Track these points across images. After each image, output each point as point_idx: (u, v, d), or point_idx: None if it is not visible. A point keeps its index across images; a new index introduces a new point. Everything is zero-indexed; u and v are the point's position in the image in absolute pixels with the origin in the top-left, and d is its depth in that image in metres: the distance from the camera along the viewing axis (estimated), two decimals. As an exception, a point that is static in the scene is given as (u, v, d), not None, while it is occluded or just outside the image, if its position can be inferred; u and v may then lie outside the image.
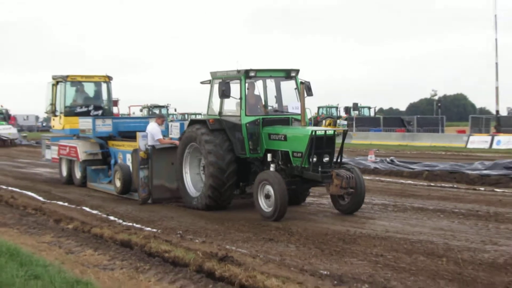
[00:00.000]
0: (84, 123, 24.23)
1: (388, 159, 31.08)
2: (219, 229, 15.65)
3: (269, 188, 15.95)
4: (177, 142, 19.47)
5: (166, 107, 69.81)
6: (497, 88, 63.52)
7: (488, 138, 51.89)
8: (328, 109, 79.98)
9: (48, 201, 21.08)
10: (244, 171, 17.79)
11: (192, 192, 18.33)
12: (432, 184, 25.10)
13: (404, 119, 77.19)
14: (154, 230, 15.59)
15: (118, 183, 21.06)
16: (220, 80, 17.58)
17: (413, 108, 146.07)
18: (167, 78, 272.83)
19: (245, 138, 17.24)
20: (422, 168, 28.22)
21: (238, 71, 17.42)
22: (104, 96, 27.22)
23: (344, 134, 17.63)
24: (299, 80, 18.15)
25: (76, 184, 24.76)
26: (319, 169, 16.03)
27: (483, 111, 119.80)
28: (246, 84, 17.45)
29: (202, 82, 19.64)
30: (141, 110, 67.08)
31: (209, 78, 18.78)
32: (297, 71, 18.21)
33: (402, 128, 67.94)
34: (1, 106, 69.83)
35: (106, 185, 23.18)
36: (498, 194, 21.66)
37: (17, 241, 13.96)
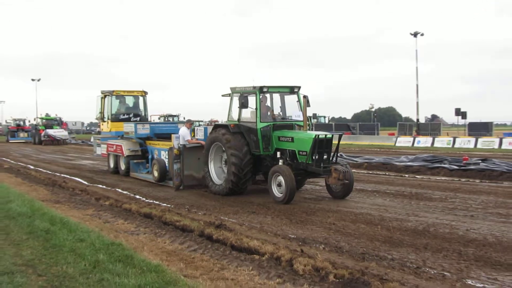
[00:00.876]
0: (128, 127, 24.21)
1: (338, 154, 31.03)
2: (216, 205, 15.62)
3: (280, 178, 15.58)
4: (202, 142, 19.14)
5: (177, 116, 69.34)
6: (417, 103, 64.08)
7: (411, 139, 52.54)
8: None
9: (91, 184, 21.01)
10: (256, 164, 17.41)
11: (216, 181, 17.93)
12: (370, 172, 25.15)
13: (350, 125, 77.72)
14: (169, 205, 15.55)
15: (156, 174, 20.96)
16: (239, 94, 17.39)
17: (356, 117, 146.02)
18: (179, 95, 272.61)
19: (260, 139, 16.95)
20: (363, 160, 28.22)
21: (254, 87, 17.15)
22: (141, 106, 27.19)
23: (339, 137, 17.06)
24: (301, 95, 17.73)
25: (121, 174, 24.43)
26: (322, 164, 15.78)
27: (407, 119, 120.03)
28: (260, 97, 17.11)
29: (223, 95, 19.21)
30: (159, 118, 66.75)
31: (229, 92, 18.42)
32: (299, 87, 17.90)
33: (348, 132, 68.17)
34: (56, 115, 69.53)
35: (145, 174, 22.93)
36: (418, 179, 21.70)
37: (68, 214, 13.88)
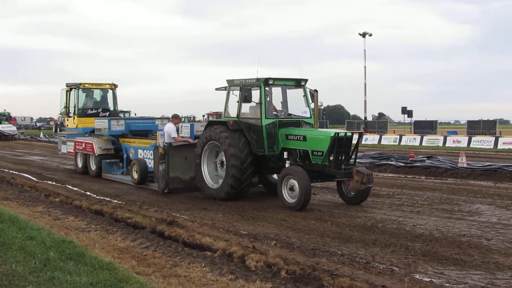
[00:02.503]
0: (100, 123, 22.02)
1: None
2: (167, 201, 15.51)
3: (293, 182, 13.93)
4: (190, 140, 17.28)
5: (128, 112, 68.48)
6: (365, 101, 64.69)
7: (359, 136, 52.73)
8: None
9: (40, 181, 20.52)
10: (257, 165, 15.66)
11: (210, 184, 16.10)
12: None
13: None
14: (120, 202, 15.32)
15: (135, 175, 18.91)
16: (239, 87, 15.69)
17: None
18: (129, 92, 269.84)
19: (265, 138, 15.09)
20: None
21: (258, 79, 15.30)
22: (110, 100, 24.88)
23: (360, 135, 15.55)
24: (307, 89, 16.13)
25: (92, 175, 22.04)
26: (343, 166, 14.11)
27: (355, 117, 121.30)
28: (266, 91, 15.34)
29: (217, 89, 17.86)
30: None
31: (225, 85, 16.67)
32: (306, 80, 16.12)
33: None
34: (4, 110, 67.87)
35: (121, 176, 20.92)
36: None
37: (17, 211, 13.55)
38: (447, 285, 7.74)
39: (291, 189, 14.07)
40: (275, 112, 15.74)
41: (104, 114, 24.09)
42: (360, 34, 64.17)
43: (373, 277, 8.04)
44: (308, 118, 15.95)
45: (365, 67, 69.50)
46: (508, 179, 19.81)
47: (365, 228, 11.70)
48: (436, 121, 61.63)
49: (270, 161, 15.62)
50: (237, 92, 15.88)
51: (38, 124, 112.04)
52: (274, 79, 15.40)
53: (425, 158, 24.64)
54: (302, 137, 14.76)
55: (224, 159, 15.59)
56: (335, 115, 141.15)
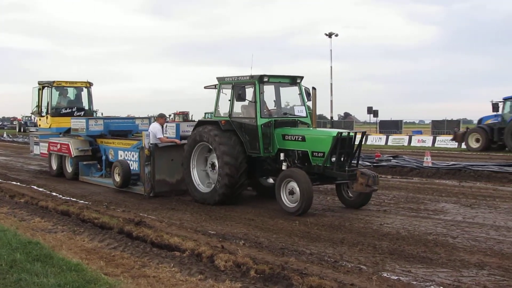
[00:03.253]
0: (77, 123, 20.83)
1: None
2: (135, 201, 15.42)
3: (293, 185, 13.08)
4: (177, 140, 16.56)
5: (95, 111, 67.45)
6: (331, 101, 64.97)
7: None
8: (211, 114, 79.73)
9: (4, 181, 20.14)
10: (251, 168, 14.78)
11: (201, 187, 15.24)
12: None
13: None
14: (86, 202, 15.16)
15: (117, 178, 17.46)
16: (231, 85, 14.82)
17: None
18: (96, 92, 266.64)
19: (260, 138, 14.26)
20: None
21: (252, 76, 14.51)
22: (85, 99, 23.82)
23: (363, 135, 15.08)
24: (303, 87, 15.42)
25: (68, 177, 20.93)
26: (346, 168, 13.38)
27: (321, 117, 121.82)
28: (260, 89, 14.49)
29: (206, 87, 16.72)
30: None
31: (214, 83, 15.76)
32: (302, 78, 15.32)
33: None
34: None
35: (100, 178, 19.78)
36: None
37: (-19, 212, 13.38)
38: (415, 283, 7.83)
39: (291, 192, 13.22)
40: (265, 111, 14.92)
41: (78, 114, 23.13)
42: (326, 35, 64.44)
43: (342, 275, 8.09)
44: (304, 117, 15.26)
45: (331, 67, 70.07)
46: (472, 178, 20.10)
47: (332, 227, 11.77)
48: (401, 120, 62.38)
49: (265, 163, 14.85)
50: (227, 91, 15.24)
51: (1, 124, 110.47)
52: (269, 76, 14.66)
53: (391, 158, 24.88)
54: (301, 137, 14.00)
55: (215, 161, 14.87)
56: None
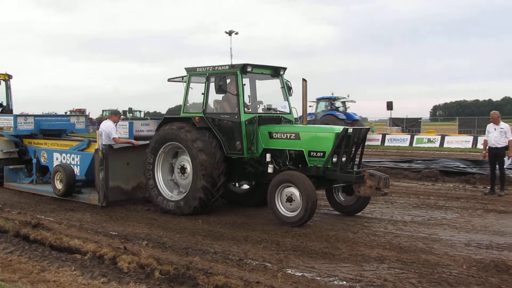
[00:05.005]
0: (4, 121, 17.95)
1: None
2: (31, 203, 14.87)
3: (292, 191, 11.55)
4: (134, 141, 14.63)
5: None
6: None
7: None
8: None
9: None
10: (229, 171, 13.08)
11: (168, 195, 13.39)
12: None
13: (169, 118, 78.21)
14: (-22, 205, 14.50)
15: (59, 185, 15.11)
16: (205, 76, 13.15)
17: (171, 111, 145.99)
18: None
19: (244, 137, 12.54)
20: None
21: (232, 66, 12.84)
22: (3, 93, 20.83)
23: (366, 132, 12.90)
24: (285, 80, 13.89)
25: None
26: (354, 169, 12.20)
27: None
28: (243, 80, 12.84)
29: (170, 80, 14.67)
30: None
31: (181, 75, 14.09)
32: (285, 69, 13.81)
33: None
34: None
35: (30, 185, 17.20)
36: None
37: None
38: (318, 278, 7.98)
39: (289, 199, 11.67)
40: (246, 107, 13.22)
41: None
42: (226, 33, 64.65)
43: (247, 273, 8.14)
44: (287, 114, 13.75)
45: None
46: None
47: (235, 225, 11.82)
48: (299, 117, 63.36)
49: (246, 166, 13.10)
50: (197, 84, 13.68)
51: None
52: (253, 66, 12.95)
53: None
54: (294, 135, 12.41)
55: (185, 164, 13.32)
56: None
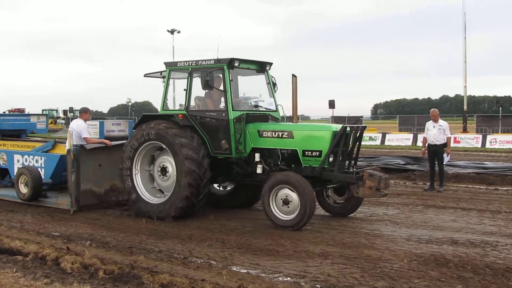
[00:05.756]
0: None
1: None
2: (-32, 204, 14.52)
3: (288, 193, 10.98)
4: (107, 141, 13.75)
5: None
6: (174, 97, 64.91)
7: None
8: (50, 111, 77.35)
9: None
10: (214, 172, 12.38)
11: (149, 198, 12.63)
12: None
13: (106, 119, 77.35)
14: None
15: (24, 189, 14.02)
16: (187, 71, 12.53)
17: (113, 110, 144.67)
18: None
19: (232, 135, 11.94)
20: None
21: (218, 60, 12.11)
22: None
23: (362, 130, 12.34)
24: (271, 76, 13.26)
25: None
26: (353, 169, 11.81)
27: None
28: (230, 75, 12.14)
29: (147, 75, 14.04)
30: None
31: (159, 70, 13.44)
32: (271, 64, 13.17)
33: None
34: None
35: None
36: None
37: None
38: (263, 275, 8.06)
39: (285, 202, 11.10)
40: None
41: None
42: (168, 31, 64.48)
43: (192, 271, 8.17)
44: (274, 111, 13.11)
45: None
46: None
47: (179, 224, 11.79)
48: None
49: (233, 166, 12.50)
50: (178, 80, 13.28)
51: None
52: (240, 61, 12.30)
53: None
54: (286, 133, 11.84)
55: (166, 164, 12.62)
56: (143, 111, 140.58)
